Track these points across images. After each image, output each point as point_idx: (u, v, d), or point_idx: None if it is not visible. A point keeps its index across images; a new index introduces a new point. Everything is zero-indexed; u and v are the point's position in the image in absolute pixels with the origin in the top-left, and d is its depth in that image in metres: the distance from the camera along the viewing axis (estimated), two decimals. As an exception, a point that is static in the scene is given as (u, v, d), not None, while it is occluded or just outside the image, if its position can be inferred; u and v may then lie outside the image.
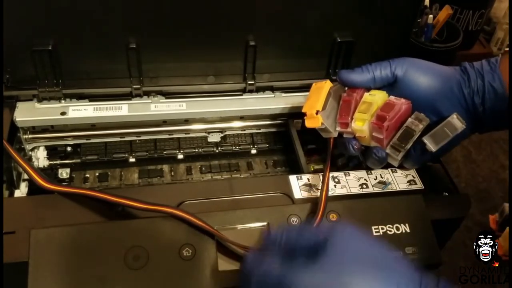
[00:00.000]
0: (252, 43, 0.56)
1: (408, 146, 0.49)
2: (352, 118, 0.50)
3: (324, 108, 0.50)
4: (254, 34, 0.56)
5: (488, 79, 0.48)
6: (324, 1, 0.56)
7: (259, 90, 0.61)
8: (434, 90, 0.49)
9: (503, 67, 0.48)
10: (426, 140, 0.48)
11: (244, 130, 0.63)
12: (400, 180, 0.53)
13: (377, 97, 0.50)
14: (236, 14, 0.55)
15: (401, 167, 0.52)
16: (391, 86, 0.51)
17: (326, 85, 0.52)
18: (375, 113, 0.49)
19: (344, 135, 0.51)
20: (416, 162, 0.52)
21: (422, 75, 0.50)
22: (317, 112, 0.50)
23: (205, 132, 0.62)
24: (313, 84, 0.54)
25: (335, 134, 0.52)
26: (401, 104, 0.48)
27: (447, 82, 0.49)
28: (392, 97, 0.50)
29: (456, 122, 0.47)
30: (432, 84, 0.49)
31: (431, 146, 0.48)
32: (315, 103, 0.51)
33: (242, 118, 0.62)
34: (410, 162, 0.52)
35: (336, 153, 0.62)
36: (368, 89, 0.51)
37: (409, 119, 0.49)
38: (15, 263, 0.41)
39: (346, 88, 0.52)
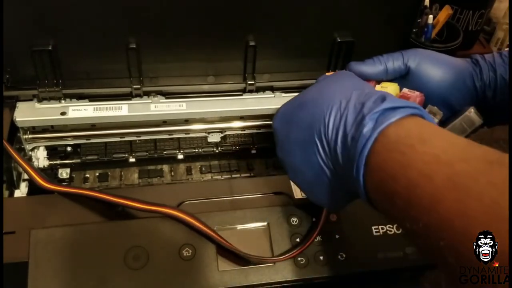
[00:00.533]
0: (252, 43, 0.56)
1: None
2: None
3: None
4: (254, 34, 0.56)
5: (501, 72, 0.47)
6: (324, 1, 0.56)
7: (259, 90, 0.61)
8: (447, 82, 0.48)
9: None
10: None
11: (244, 130, 0.63)
12: (400, 180, 0.52)
13: (389, 90, 0.48)
14: (236, 14, 0.55)
15: None
16: (403, 78, 0.50)
17: None
18: None
19: None
20: None
21: (435, 67, 0.49)
22: None
23: (205, 132, 0.62)
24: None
25: None
26: (416, 96, 0.47)
27: (460, 74, 0.48)
28: (405, 90, 0.49)
29: (474, 116, 0.47)
30: (445, 76, 0.48)
31: None
32: None
33: (242, 118, 0.62)
34: None
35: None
36: (378, 82, 0.50)
37: None
38: (15, 263, 0.41)
39: None
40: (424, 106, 0.48)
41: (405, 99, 0.47)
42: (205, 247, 0.44)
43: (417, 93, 0.48)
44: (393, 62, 0.49)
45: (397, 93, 0.49)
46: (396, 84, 0.50)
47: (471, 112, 0.47)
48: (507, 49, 0.52)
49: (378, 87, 0.49)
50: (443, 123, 0.48)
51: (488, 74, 0.48)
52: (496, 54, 0.49)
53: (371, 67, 0.50)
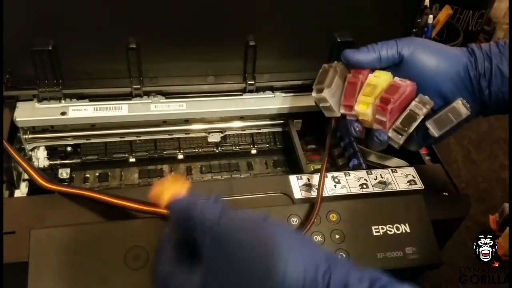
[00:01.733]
0: (252, 43, 0.56)
1: (411, 130, 0.47)
2: (356, 101, 0.49)
3: (330, 85, 0.49)
4: (254, 34, 0.56)
5: (496, 62, 0.46)
6: (324, 1, 0.56)
7: (259, 90, 0.61)
8: (441, 72, 0.48)
9: None
10: (429, 125, 0.47)
11: (244, 130, 0.63)
12: (400, 180, 0.53)
13: (382, 79, 0.48)
14: (236, 14, 0.55)
15: (402, 148, 0.51)
16: (397, 66, 0.50)
17: (334, 64, 0.51)
18: (379, 95, 0.47)
19: (347, 117, 0.50)
20: (418, 145, 0.51)
21: (429, 56, 0.48)
22: (322, 89, 0.49)
23: (205, 132, 0.62)
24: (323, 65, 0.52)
25: (338, 114, 0.50)
26: (406, 86, 0.47)
27: (454, 64, 0.48)
28: (397, 79, 0.48)
29: (461, 107, 0.46)
30: (438, 66, 0.48)
31: (434, 132, 0.46)
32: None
33: (242, 118, 0.62)
34: (412, 145, 0.50)
35: (337, 154, 0.62)
36: (373, 70, 0.50)
37: (413, 102, 0.47)
38: (15, 263, 0.41)
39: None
40: (417, 95, 0.48)
41: (396, 88, 0.47)
42: (205, 247, 0.44)
43: (408, 82, 0.47)
44: (387, 50, 0.49)
45: (389, 82, 0.48)
46: (390, 73, 0.49)
47: (459, 104, 0.46)
48: (504, 39, 0.51)
49: (371, 76, 0.49)
50: (435, 113, 0.47)
51: (483, 63, 0.47)
52: (493, 43, 0.48)
53: (365, 55, 0.49)
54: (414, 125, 0.47)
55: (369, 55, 0.49)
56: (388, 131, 0.48)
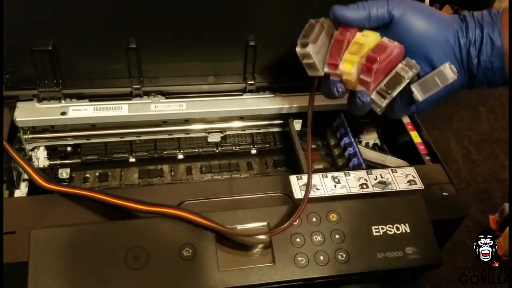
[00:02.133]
0: (252, 43, 0.56)
1: (395, 93, 0.46)
2: (341, 59, 0.47)
3: (315, 41, 0.47)
4: (254, 34, 0.56)
5: (488, 31, 0.46)
6: (323, 0, 0.56)
7: (259, 90, 0.61)
8: (429, 36, 0.47)
9: (504, 20, 0.46)
10: (413, 88, 0.45)
11: (244, 130, 0.63)
12: (400, 180, 0.53)
13: (370, 39, 0.47)
14: (236, 14, 0.55)
15: (383, 115, 0.50)
16: (386, 27, 0.48)
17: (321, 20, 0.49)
18: (365, 55, 0.46)
19: (331, 77, 0.48)
20: (400, 112, 0.50)
21: (419, 19, 0.47)
22: (307, 44, 0.47)
23: (205, 132, 0.62)
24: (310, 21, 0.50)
25: (322, 73, 0.48)
26: (394, 47, 0.46)
27: (444, 29, 0.47)
28: (385, 39, 0.47)
29: (448, 72, 0.45)
30: (428, 29, 0.47)
31: (418, 95, 0.45)
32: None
33: (242, 118, 0.62)
34: (394, 111, 0.49)
35: (337, 154, 0.62)
36: (361, 29, 0.48)
37: (399, 65, 0.46)
38: (15, 263, 0.41)
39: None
40: (403, 59, 0.46)
41: (383, 48, 0.45)
42: (205, 247, 0.44)
43: (396, 43, 0.46)
44: (377, 9, 0.47)
45: (377, 42, 0.47)
46: (378, 33, 0.48)
47: (446, 67, 0.45)
48: (498, 8, 0.50)
49: (359, 35, 0.47)
50: (420, 79, 0.46)
51: (474, 31, 0.46)
52: (485, 12, 0.47)
53: (354, 12, 0.47)
54: (399, 88, 0.46)
55: (358, 13, 0.47)
56: (371, 93, 0.47)
